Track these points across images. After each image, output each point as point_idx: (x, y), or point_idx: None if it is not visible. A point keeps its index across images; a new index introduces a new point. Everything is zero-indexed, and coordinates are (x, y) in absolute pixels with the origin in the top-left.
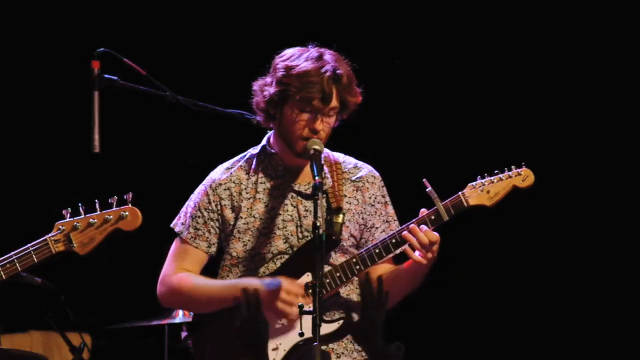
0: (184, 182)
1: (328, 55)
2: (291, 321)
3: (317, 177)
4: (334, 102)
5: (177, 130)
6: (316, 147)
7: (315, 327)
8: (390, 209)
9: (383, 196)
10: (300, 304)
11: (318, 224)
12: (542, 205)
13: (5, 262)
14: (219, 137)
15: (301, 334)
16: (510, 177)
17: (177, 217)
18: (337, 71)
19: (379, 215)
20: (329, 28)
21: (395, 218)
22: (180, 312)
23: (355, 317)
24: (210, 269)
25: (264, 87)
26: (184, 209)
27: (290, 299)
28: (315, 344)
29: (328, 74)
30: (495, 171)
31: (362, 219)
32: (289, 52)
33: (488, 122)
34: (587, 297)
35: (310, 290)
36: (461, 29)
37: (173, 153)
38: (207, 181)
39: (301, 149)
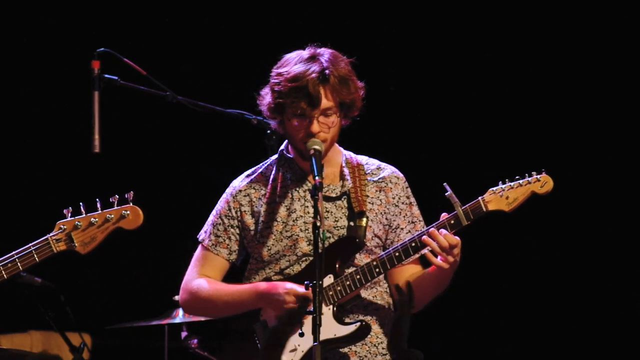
0: (184, 182)
1: (321, 55)
2: (300, 321)
3: (317, 177)
4: (326, 103)
5: (177, 130)
6: (316, 147)
7: (316, 327)
8: (416, 209)
9: (407, 197)
10: (300, 304)
11: (318, 224)
12: (561, 211)
13: (7, 261)
14: (219, 137)
15: (301, 334)
16: (529, 183)
17: (203, 227)
18: (325, 71)
19: (403, 216)
20: (328, 26)
21: (421, 219)
22: (181, 312)
23: (378, 320)
24: (238, 275)
25: (264, 96)
26: (208, 218)
27: (294, 301)
28: (315, 344)
29: (313, 75)
30: (517, 177)
31: (386, 219)
32: (285, 57)
33: (513, 128)
34: (599, 303)
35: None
36: (485, 35)
37: (173, 153)
38: (228, 189)
39: (306, 153)
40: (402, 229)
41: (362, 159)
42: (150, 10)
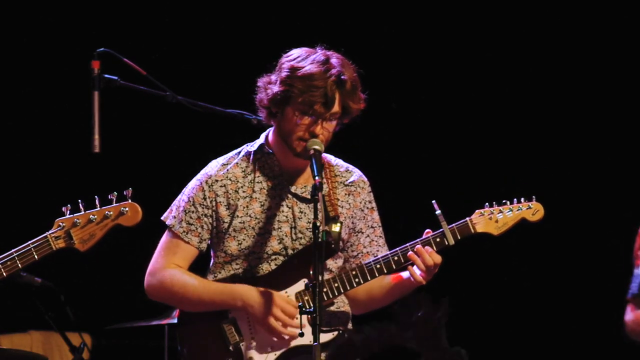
0: (183, 180)
1: (334, 59)
2: (283, 338)
3: (317, 177)
4: (336, 108)
5: (177, 130)
6: (316, 147)
7: (316, 327)
8: (376, 214)
9: (370, 202)
10: (299, 304)
11: (318, 224)
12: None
13: (6, 259)
14: (218, 137)
15: (301, 334)
16: (520, 209)
17: (168, 210)
18: (342, 76)
19: (365, 221)
20: (328, 26)
21: (380, 224)
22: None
23: (341, 323)
24: (201, 265)
25: (268, 85)
26: (176, 202)
27: (285, 319)
28: (315, 344)
29: (332, 78)
30: (504, 201)
31: (352, 223)
32: (296, 52)
33: (501, 152)
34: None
35: (309, 292)
36: (480, 55)
37: (173, 152)
38: (202, 176)
39: (300, 150)
40: (362, 232)
41: (331, 158)
42: (150, 10)
